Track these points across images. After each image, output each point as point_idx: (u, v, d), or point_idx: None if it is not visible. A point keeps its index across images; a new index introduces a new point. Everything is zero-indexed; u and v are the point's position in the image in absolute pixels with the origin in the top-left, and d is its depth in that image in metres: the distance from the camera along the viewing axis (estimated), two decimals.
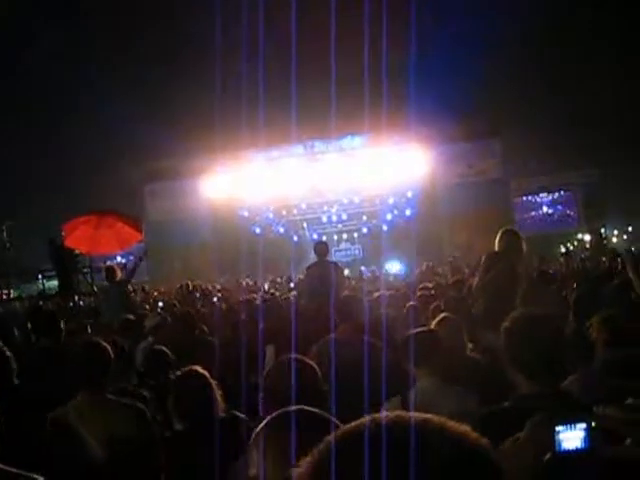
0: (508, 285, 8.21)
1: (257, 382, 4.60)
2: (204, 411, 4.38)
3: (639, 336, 5.02)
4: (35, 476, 2.63)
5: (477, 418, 3.41)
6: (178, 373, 4.68)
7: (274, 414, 2.16)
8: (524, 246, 8.96)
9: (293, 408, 2.17)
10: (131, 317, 9.80)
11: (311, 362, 3.68)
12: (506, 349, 3.55)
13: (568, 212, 44.23)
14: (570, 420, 2.04)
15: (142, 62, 38.26)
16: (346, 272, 18.85)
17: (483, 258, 9.05)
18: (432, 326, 5.89)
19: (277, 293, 16.07)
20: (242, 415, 4.51)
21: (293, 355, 3.68)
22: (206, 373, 4.55)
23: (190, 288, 20.56)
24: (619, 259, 17.03)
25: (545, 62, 37.62)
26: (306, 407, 2.18)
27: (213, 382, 4.53)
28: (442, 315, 6.21)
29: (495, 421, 3.25)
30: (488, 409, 3.55)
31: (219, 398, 4.50)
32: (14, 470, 2.64)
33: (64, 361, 6.53)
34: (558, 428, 2.04)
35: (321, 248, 11.32)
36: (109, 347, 5.02)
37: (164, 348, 6.80)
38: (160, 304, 17.71)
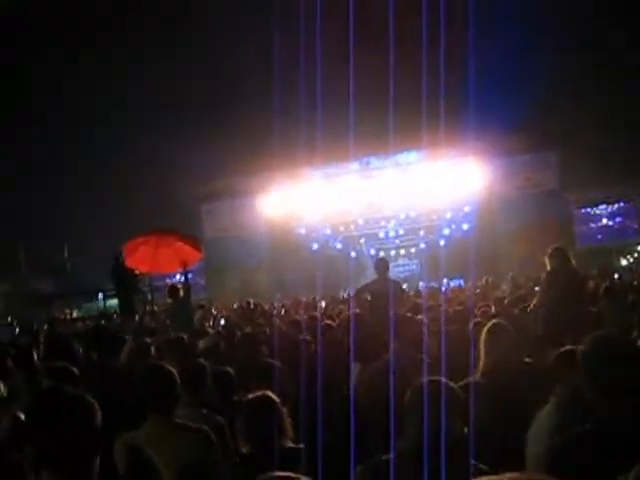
0: (563, 306, 8.22)
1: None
2: (272, 437, 4.39)
3: None
4: None
5: (558, 441, 3.40)
6: (251, 396, 4.70)
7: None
8: (574, 263, 9.00)
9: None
10: (180, 336, 9.90)
11: (453, 385, 3.71)
12: (585, 371, 3.54)
13: (628, 223, 43.55)
14: None
15: (200, 80, 38.57)
16: (404, 287, 18.84)
17: (543, 276, 9.09)
18: (484, 334, 5.89)
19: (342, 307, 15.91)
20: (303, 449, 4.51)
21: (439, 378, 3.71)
22: (278, 400, 4.58)
23: (251, 306, 20.60)
24: None
25: (603, 73, 37.21)
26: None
27: (284, 410, 4.55)
28: (493, 321, 6.19)
29: (577, 445, 3.24)
30: (569, 432, 3.52)
31: (289, 427, 4.52)
32: None
33: (125, 381, 6.61)
34: None
35: (382, 265, 11.33)
36: (174, 371, 5.06)
37: (229, 369, 6.82)
38: (222, 322, 17.78)
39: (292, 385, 6.23)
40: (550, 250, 8.90)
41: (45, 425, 2.71)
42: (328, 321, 10.16)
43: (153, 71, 38.15)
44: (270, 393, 4.62)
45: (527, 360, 6.02)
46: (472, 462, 3.24)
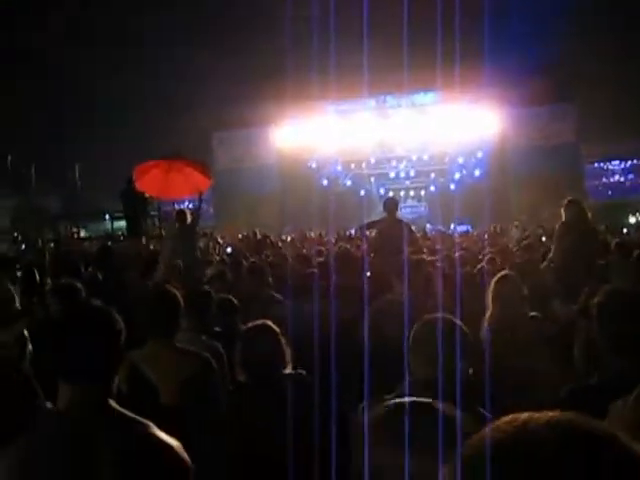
0: (576, 258, 8.15)
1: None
2: (270, 366, 4.36)
3: None
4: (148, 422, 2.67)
5: (564, 394, 3.39)
6: (250, 324, 4.64)
7: (390, 405, 2.10)
8: (589, 216, 8.89)
9: (409, 400, 2.11)
10: (176, 263, 9.93)
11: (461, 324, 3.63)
12: (597, 324, 3.50)
13: None
14: None
15: (214, 8, 38.18)
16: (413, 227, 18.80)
17: (557, 228, 9.00)
18: (492, 285, 5.86)
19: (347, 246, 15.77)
20: (308, 376, 4.48)
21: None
22: (278, 330, 4.52)
23: (258, 237, 20.57)
24: None
25: (626, 28, 36.75)
26: (422, 400, 2.12)
27: (284, 340, 4.53)
28: (502, 273, 6.15)
29: (582, 398, 3.23)
30: (574, 385, 3.50)
31: (288, 357, 4.48)
32: (129, 414, 2.68)
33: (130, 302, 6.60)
34: None
35: (391, 203, 11.14)
36: (178, 293, 5.03)
37: (230, 296, 6.77)
38: (229, 250, 17.75)
39: (298, 319, 6.16)
40: (566, 202, 8.74)
41: (74, 337, 2.71)
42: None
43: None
44: (270, 322, 4.58)
45: (533, 314, 5.99)
46: (479, 409, 3.22)
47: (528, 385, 4.53)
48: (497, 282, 5.83)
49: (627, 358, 3.28)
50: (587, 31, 34.92)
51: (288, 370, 4.44)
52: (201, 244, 16.89)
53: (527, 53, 32.29)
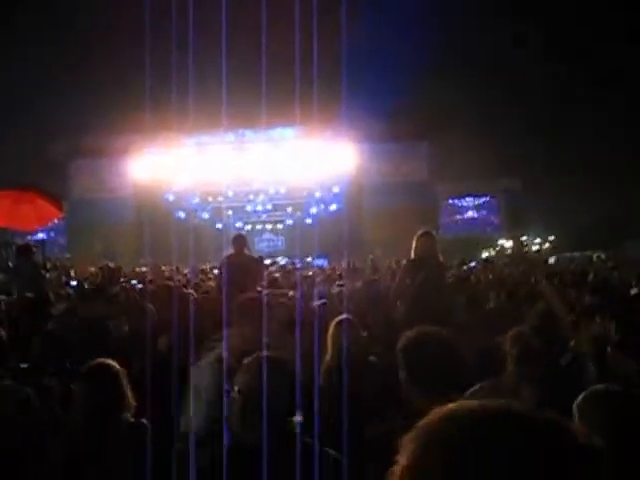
0: (429, 295, 8.17)
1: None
2: (109, 409, 4.12)
3: (548, 354, 5.02)
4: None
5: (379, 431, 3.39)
6: (90, 363, 4.31)
7: None
8: (439, 249, 8.90)
9: None
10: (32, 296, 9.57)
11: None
12: (402, 367, 3.55)
13: (492, 218, 44.68)
14: None
15: (71, 34, 37.44)
16: (267, 261, 18.77)
17: (403, 264, 9.01)
18: (331, 327, 5.81)
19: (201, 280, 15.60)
20: (147, 424, 4.19)
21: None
22: (120, 370, 4.24)
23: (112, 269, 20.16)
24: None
25: (476, 71, 37.96)
26: None
27: (126, 381, 4.25)
28: (342, 317, 6.05)
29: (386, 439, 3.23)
30: (382, 426, 3.51)
31: (130, 399, 4.20)
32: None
33: None
34: None
35: (239, 242, 10.85)
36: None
37: (62, 333, 6.47)
38: (73, 283, 17.23)
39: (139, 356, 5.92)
40: (419, 233, 8.66)
41: None
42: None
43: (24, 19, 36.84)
44: (110, 361, 4.30)
45: (371, 358, 5.98)
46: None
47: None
48: (335, 326, 5.81)
49: (432, 396, 3.33)
50: (443, 72, 35.90)
51: (128, 414, 4.21)
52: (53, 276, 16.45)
53: (384, 91, 32.90)
